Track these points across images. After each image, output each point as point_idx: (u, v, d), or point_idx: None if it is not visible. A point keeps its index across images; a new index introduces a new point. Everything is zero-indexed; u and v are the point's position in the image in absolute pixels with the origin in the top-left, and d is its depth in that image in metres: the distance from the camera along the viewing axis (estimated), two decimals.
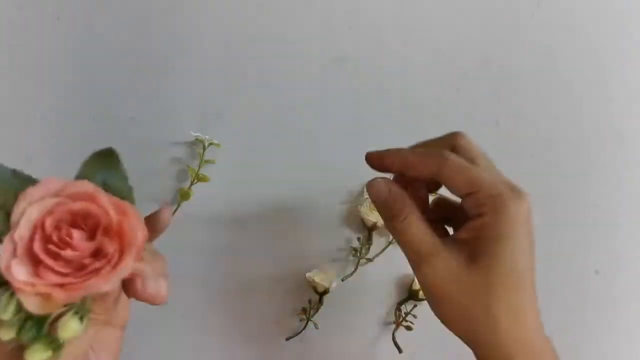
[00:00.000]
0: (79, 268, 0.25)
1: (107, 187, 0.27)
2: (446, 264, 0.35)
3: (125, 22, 0.54)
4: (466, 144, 0.38)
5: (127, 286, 0.28)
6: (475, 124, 0.55)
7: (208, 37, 0.54)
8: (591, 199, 0.56)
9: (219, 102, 0.55)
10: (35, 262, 0.25)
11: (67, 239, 0.25)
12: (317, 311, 0.54)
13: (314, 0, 0.55)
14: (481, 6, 0.55)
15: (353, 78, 0.55)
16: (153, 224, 0.34)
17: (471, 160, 0.36)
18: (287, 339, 0.54)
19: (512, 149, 0.56)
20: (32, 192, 0.25)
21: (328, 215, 0.55)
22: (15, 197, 0.25)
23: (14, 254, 0.24)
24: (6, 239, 0.25)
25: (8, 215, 0.25)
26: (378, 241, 0.54)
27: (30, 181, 0.27)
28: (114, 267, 0.25)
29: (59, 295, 0.24)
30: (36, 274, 0.24)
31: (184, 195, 0.53)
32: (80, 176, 0.27)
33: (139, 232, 0.25)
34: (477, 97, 0.55)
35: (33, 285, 0.24)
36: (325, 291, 0.53)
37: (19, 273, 0.24)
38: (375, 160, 0.39)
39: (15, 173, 0.27)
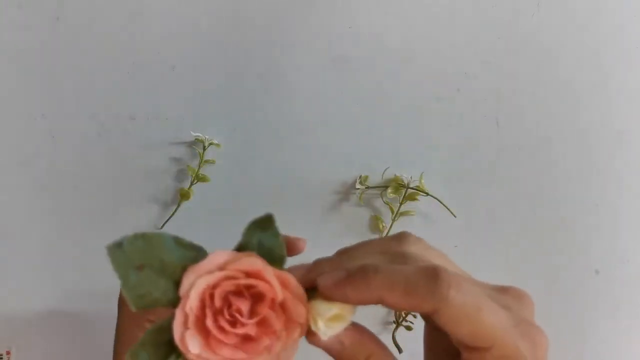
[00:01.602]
0: (246, 340, 0.26)
1: (261, 246, 0.28)
2: None
3: (125, 22, 0.54)
4: (419, 252, 0.27)
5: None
6: (475, 124, 0.55)
7: (208, 36, 0.54)
8: (591, 199, 0.56)
9: (218, 102, 0.55)
10: (205, 334, 0.26)
11: (237, 315, 0.26)
12: None
13: (314, 0, 0.55)
14: (481, 6, 0.55)
15: (353, 78, 0.55)
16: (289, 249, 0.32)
17: None
18: None
19: (512, 149, 0.55)
20: (200, 266, 0.27)
21: (329, 216, 0.55)
22: (181, 266, 0.27)
23: (186, 325, 0.26)
24: (178, 310, 0.26)
25: (176, 284, 0.27)
26: None
27: (192, 247, 0.28)
28: (284, 344, 0.26)
29: None
30: (208, 347, 0.25)
31: (184, 195, 0.53)
32: (243, 244, 0.28)
33: (304, 310, 0.26)
34: (477, 97, 0.55)
35: (206, 359, 0.25)
36: None
37: (193, 346, 0.25)
38: (338, 290, 0.25)
39: (177, 240, 0.28)
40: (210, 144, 0.53)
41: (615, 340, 0.56)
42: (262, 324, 0.26)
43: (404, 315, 0.53)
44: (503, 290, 0.26)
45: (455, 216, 0.54)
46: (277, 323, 0.26)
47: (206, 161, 0.54)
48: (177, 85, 0.55)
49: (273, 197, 0.55)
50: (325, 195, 0.55)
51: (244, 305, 0.26)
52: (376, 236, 0.55)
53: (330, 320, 0.26)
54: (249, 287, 0.26)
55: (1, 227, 0.56)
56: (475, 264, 0.55)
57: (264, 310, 0.26)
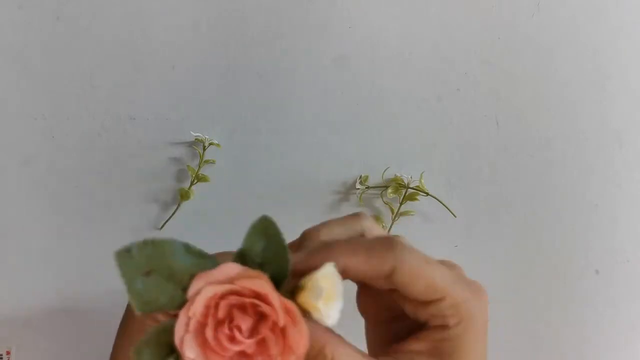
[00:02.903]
0: (242, 355, 0.26)
1: (266, 254, 0.29)
2: None
3: (125, 22, 0.54)
4: (371, 227, 0.31)
5: None
6: (476, 123, 0.55)
7: (207, 36, 0.54)
8: (591, 199, 0.56)
9: (218, 102, 0.55)
10: (203, 343, 0.26)
11: (237, 332, 0.26)
12: None
13: (314, 0, 0.55)
14: (481, 6, 0.55)
15: (353, 78, 0.55)
16: None
17: None
18: None
19: (512, 149, 0.56)
20: (210, 274, 0.27)
21: (329, 216, 0.55)
22: (190, 273, 0.27)
23: (187, 328, 0.26)
24: (182, 312, 0.26)
25: (184, 290, 0.27)
26: None
27: (202, 255, 0.28)
28: None
29: None
30: (204, 356, 0.26)
31: (184, 195, 0.53)
32: (245, 249, 0.29)
33: (302, 342, 0.26)
34: (477, 97, 0.55)
35: None
36: None
37: (190, 350, 0.26)
38: (310, 261, 0.28)
39: (187, 247, 0.28)
40: (210, 144, 0.54)
41: (615, 340, 0.56)
42: (261, 344, 0.26)
43: None
44: (440, 260, 0.30)
45: (455, 216, 0.54)
46: (274, 347, 0.26)
47: (206, 161, 0.54)
48: (177, 85, 0.55)
49: (273, 197, 0.55)
50: (325, 195, 0.55)
51: (245, 323, 0.26)
52: None
53: (325, 300, 0.26)
54: (253, 306, 0.26)
55: (1, 227, 0.56)
56: (475, 264, 0.55)
57: (265, 331, 0.26)
